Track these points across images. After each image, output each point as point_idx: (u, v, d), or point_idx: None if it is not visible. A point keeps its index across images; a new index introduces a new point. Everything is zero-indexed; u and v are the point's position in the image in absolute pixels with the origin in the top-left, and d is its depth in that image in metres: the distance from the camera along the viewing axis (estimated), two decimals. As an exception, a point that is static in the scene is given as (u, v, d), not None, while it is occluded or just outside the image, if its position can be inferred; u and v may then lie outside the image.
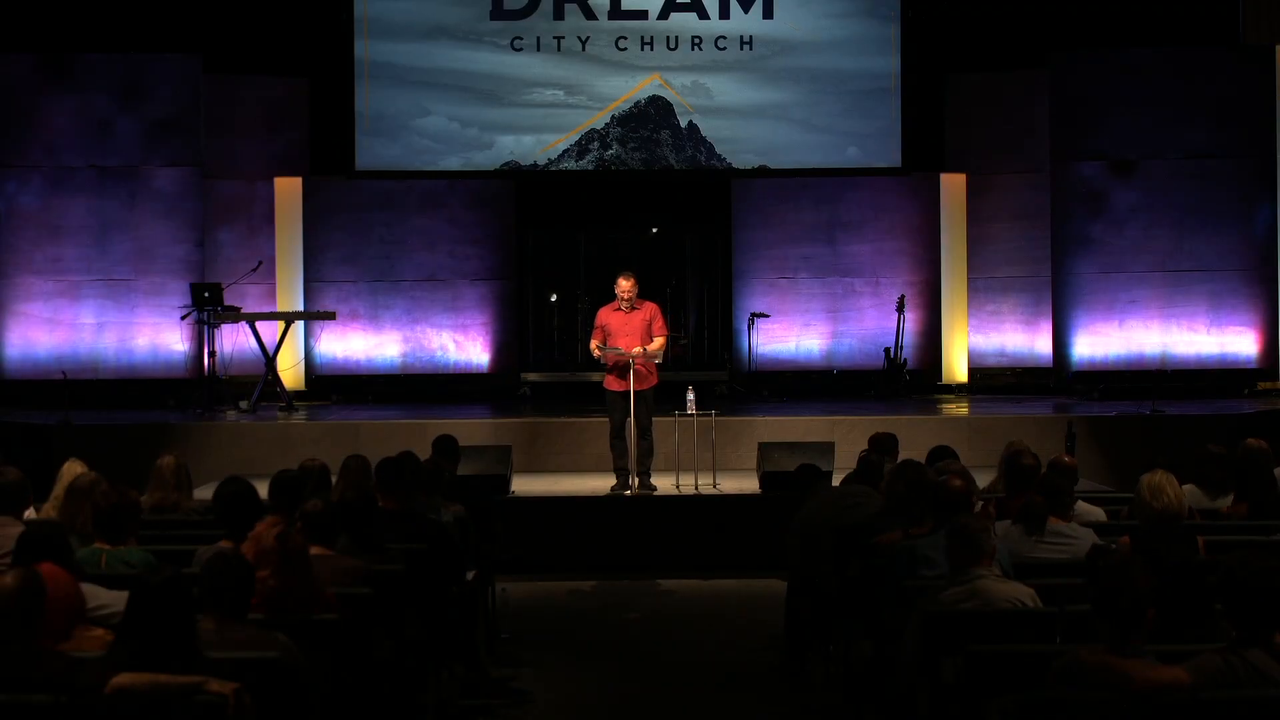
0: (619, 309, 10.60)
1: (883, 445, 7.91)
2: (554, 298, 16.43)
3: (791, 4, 15.71)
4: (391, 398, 15.00)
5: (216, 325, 13.85)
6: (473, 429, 11.89)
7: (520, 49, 15.65)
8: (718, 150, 15.74)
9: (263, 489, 6.45)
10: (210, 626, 4.52)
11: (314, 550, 5.51)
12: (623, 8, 15.64)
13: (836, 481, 8.18)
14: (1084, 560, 5.63)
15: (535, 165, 15.74)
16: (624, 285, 10.58)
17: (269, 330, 14.26)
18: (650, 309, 10.68)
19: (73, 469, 6.66)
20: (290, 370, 14.55)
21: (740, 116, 15.74)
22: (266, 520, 5.86)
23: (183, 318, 14.28)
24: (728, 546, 10.17)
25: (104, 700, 4.08)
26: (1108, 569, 4.28)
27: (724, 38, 15.68)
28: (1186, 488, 6.64)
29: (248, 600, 4.74)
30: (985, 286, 15.89)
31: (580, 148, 15.74)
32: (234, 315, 13.99)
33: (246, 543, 5.61)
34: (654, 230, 16.71)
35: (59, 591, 4.52)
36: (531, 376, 15.67)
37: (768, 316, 15.50)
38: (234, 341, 14.11)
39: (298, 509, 6.09)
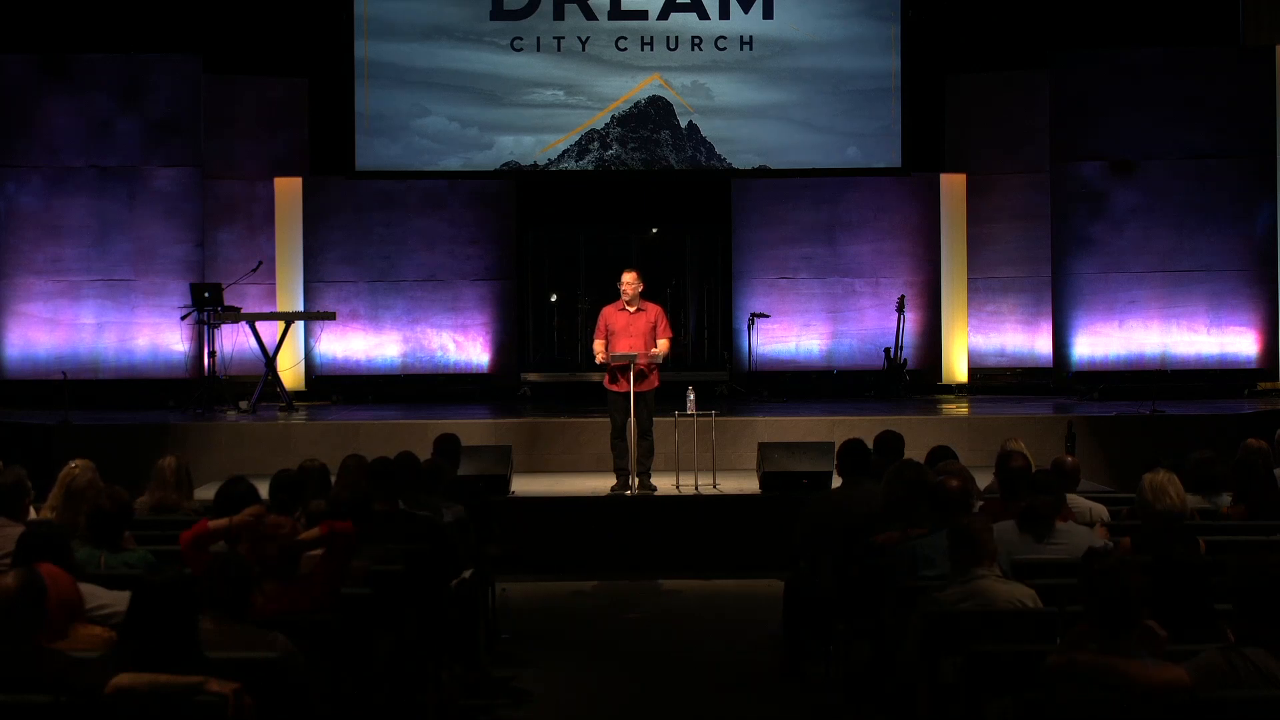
0: (624, 309, 10.58)
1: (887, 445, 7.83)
2: (554, 298, 16.43)
3: (791, 4, 15.71)
4: (391, 398, 15.00)
5: (216, 325, 13.86)
6: (473, 429, 11.89)
7: (520, 49, 15.66)
8: (718, 150, 15.74)
9: (263, 489, 6.45)
10: (210, 626, 4.52)
11: (317, 551, 5.51)
12: (623, 8, 15.64)
13: (836, 482, 8.14)
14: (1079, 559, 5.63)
15: (535, 165, 15.74)
16: (627, 279, 10.57)
17: (269, 330, 14.26)
18: (655, 311, 10.67)
19: (70, 470, 6.65)
20: (290, 370, 14.55)
21: (740, 116, 15.74)
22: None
23: (183, 318, 14.28)
24: (728, 546, 10.17)
25: (104, 700, 4.08)
26: (1101, 571, 4.28)
27: (724, 38, 15.68)
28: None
29: (247, 600, 4.74)
30: (985, 286, 15.89)
31: (580, 148, 15.74)
32: (234, 315, 13.99)
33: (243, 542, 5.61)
34: (654, 230, 16.71)
35: (58, 591, 4.52)
36: (531, 376, 15.66)
37: (768, 317, 15.50)
38: (234, 342, 14.11)
39: (299, 508, 6.10)
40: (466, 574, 7.13)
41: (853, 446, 7.45)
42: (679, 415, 10.89)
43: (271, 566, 5.19)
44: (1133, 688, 4.06)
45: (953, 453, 7.60)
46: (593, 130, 15.73)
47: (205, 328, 13.88)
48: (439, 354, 15.73)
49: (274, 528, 5.38)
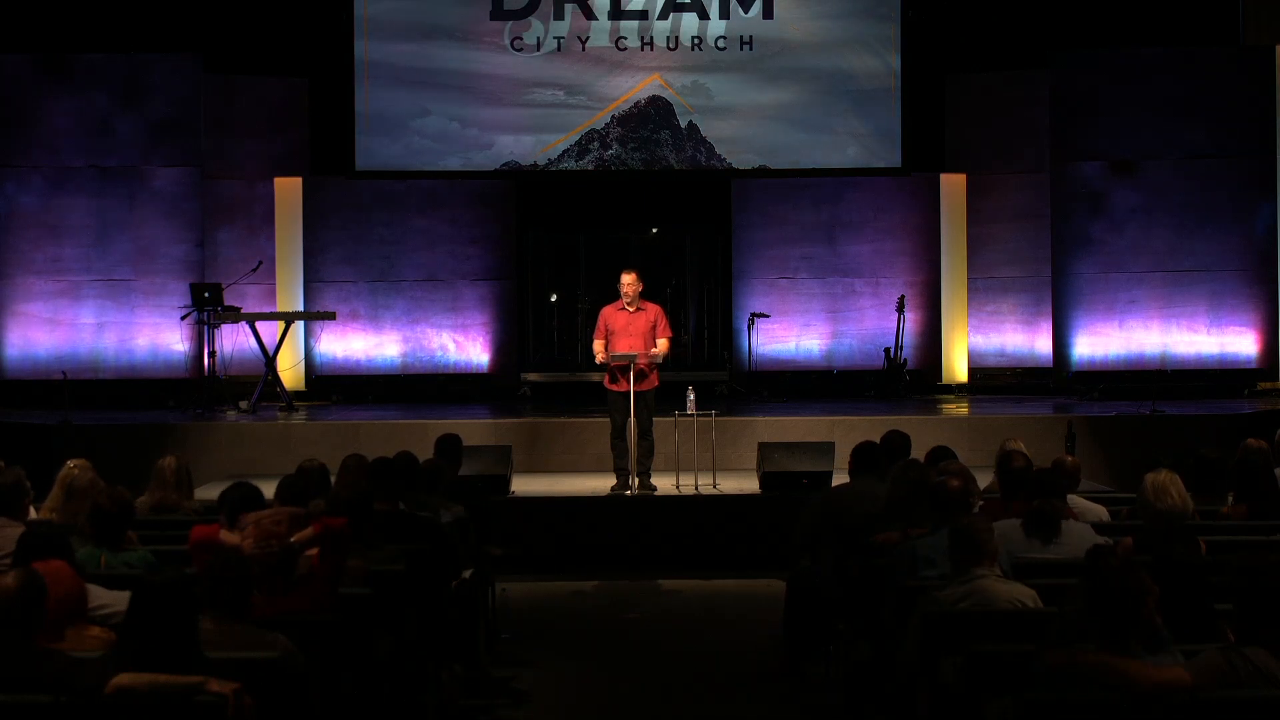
0: (623, 309, 10.59)
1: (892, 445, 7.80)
2: (554, 298, 16.43)
3: (791, 4, 15.71)
4: (391, 398, 15.00)
5: (216, 325, 13.85)
6: (473, 429, 11.89)
7: (520, 49, 15.65)
8: (718, 150, 15.74)
9: (263, 489, 6.45)
10: (210, 626, 4.52)
11: (313, 550, 5.51)
12: (623, 8, 15.64)
13: (837, 481, 8.13)
14: (1082, 559, 5.62)
15: (535, 165, 15.74)
16: (626, 280, 10.58)
17: (269, 330, 14.26)
18: (655, 311, 10.68)
19: (69, 470, 6.65)
20: (290, 370, 14.56)
21: (740, 116, 15.74)
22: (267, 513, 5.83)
23: (183, 318, 14.28)
24: (728, 546, 10.18)
25: (104, 700, 4.08)
26: (1111, 570, 4.26)
27: (724, 38, 15.68)
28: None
29: (247, 600, 4.74)
30: (985, 286, 15.90)
31: (580, 148, 15.74)
32: (234, 315, 13.99)
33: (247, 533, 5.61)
34: (654, 230, 16.71)
35: (62, 588, 4.52)
36: (531, 376, 15.66)
37: (768, 316, 15.49)
38: (234, 341, 14.11)
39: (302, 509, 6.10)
40: (466, 574, 7.13)
41: (865, 448, 7.48)
42: (679, 415, 10.89)
43: (271, 566, 5.19)
44: (1133, 688, 4.06)
45: (952, 453, 7.59)
46: (593, 130, 15.73)
47: (205, 328, 13.88)
48: (439, 354, 15.73)
49: (274, 525, 5.38)
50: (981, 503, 6.75)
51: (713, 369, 15.59)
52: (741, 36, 15.71)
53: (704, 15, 15.68)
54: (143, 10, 15.15)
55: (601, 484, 10.90)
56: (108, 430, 12.13)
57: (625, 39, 15.67)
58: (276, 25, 15.35)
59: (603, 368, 10.66)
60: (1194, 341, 14.90)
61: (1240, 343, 14.90)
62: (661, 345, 10.55)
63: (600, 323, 10.71)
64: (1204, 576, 4.76)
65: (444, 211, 15.78)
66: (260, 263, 14.88)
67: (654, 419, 10.67)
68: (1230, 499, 7.17)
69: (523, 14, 15.64)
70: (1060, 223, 15.16)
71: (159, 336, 14.76)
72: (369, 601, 5.58)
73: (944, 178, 15.86)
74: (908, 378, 15.22)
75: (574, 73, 15.69)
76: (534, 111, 15.68)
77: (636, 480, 10.50)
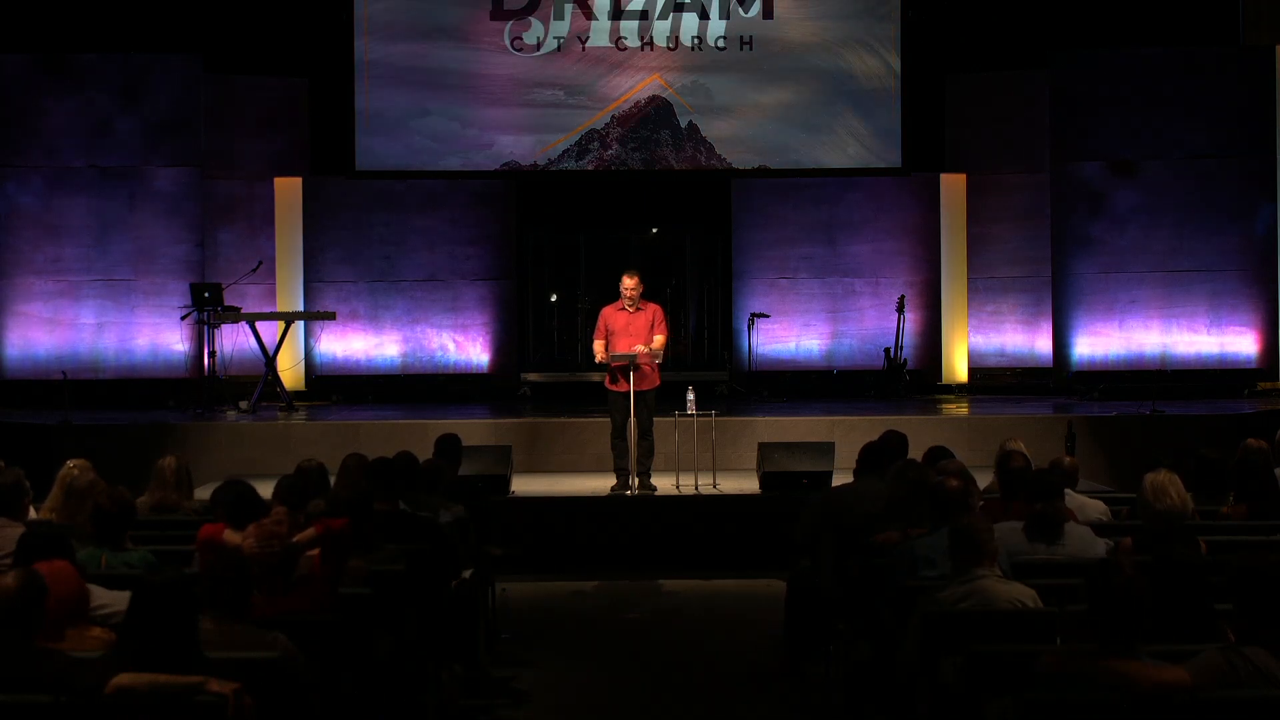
0: (623, 309, 10.60)
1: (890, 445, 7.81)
2: (554, 298, 16.43)
3: (791, 4, 15.71)
4: (391, 398, 15.00)
5: (216, 325, 13.86)
6: (473, 429, 11.88)
7: (520, 49, 15.65)
8: (718, 150, 15.74)
9: (263, 489, 6.45)
10: (210, 626, 4.52)
11: (315, 551, 5.52)
12: (623, 8, 15.64)
13: (837, 481, 8.13)
14: (1085, 561, 5.62)
15: (535, 165, 15.73)
16: (628, 283, 10.59)
17: (269, 330, 14.26)
18: (654, 310, 10.69)
19: (69, 470, 6.65)
20: (290, 370, 14.56)
21: (740, 116, 15.74)
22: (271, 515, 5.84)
23: (183, 318, 14.28)
24: (728, 546, 10.17)
25: (104, 700, 4.08)
26: (1116, 585, 4.24)
27: (724, 38, 15.68)
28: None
29: (247, 600, 4.74)
30: (985, 286, 15.90)
31: (580, 148, 15.74)
32: (234, 315, 13.99)
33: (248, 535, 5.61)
34: (654, 230, 16.71)
35: (63, 589, 4.52)
36: (531, 376, 15.66)
37: (768, 317, 15.50)
38: (234, 341, 14.11)
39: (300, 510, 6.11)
40: (466, 574, 7.13)
41: (872, 448, 7.48)
42: (679, 415, 10.90)
43: (271, 566, 5.20)
44: (1133, 688, 4.06)
45: (950, 452, 7.59)
46: (593, 130, 15.73)
47: (205, 328, 13.88)
48: (439, 354, 15.73)
49: (274, 526, 5.38)
50: (982, 503, 6.75)
51: (713, 369, 15.59)
52: (741, 36, 15.71)
53: (704, 15, 15.68)
54: (142, 10, 15.14)
55: (601, 484, 10.90)
56: (108, 430, 12.13)
57: (625, 39, 15.67)
58: (276, 25, 15.35)
59: (603, 367, 10.67)
60: (1194, 341, 14.90)
61: (1240, 343, 14.90)
62: (657, 341, 10.54)
63: (600, 323, 10.71)
64: (1204, 576, 4.76)
65: (444, 211, 15.78)
66: (260, 263, 14.88)
67: (654, 419, 10.67)
68: (1230, 499, 7.18)
69: (523, 14, 15.64)
70: (1060, 223, 15.16)
71: (159, 336, 14.76)
72: (369, 601, 5.58)
73: (944, 178, 15.86)
74: (908, 378, 15.22)
75: (574, 73, 15.69)
76: (534, 111, 15.68)
77: (636, 480, 10.50)
